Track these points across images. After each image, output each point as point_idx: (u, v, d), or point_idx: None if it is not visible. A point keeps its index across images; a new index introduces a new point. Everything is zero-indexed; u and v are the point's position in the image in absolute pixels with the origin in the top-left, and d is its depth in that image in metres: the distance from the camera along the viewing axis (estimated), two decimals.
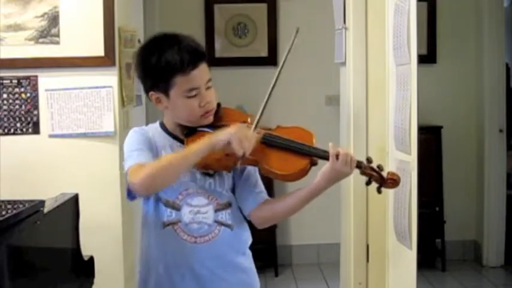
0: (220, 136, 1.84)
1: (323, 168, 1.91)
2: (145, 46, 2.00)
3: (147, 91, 2.00)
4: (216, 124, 2.00)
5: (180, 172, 1.87)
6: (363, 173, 1.94)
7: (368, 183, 1.96)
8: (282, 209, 2.02)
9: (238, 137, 1.82)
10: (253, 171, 2.05)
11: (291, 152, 1.94)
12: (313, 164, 1.94)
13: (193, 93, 1.93)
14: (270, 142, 1.95)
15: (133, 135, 1.99)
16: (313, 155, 1.93)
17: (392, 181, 1.95)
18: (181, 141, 2.00)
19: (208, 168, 1.96)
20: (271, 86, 2.00)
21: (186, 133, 1.99)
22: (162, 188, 1.90)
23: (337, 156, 1.88)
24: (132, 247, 3.28)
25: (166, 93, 1.94)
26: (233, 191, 2.05)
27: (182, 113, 1.97)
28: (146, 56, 1.96)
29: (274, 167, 1.92)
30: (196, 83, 1.93)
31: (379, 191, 1.96)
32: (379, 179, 1.94)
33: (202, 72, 1.95)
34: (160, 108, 2.01)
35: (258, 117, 1.96)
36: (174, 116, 2.00)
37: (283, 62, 2.00)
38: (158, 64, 1.91)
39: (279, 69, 2.00)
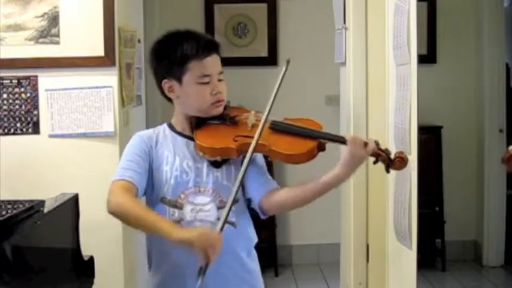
0: (185, 236, 1.78)
1: (342, 157, 1.91)
2: (161, 38, 2.06)
3: (160, 80, 2.03)
4: (226, 116, 2.03)
5: (138, 228, 1.93)
6: (371, 153, 1.94)
7: (375, 162, 1.97)
8: (294, 198, 1.99)
9: (203, 245, 1.74)
10: (261, 164, 2.06)
11: (299, 135, 1.97)
12: (321, 148, 1.96)
13: (206, 80, 1.98)
14: (278, 127, 1.99)
15: (132, 142, 2.03)
16: (324, 138, 1.96)
17: (400, 159, 1.96)
18: (189, 138, 2.02)
19: (215, 154, 1.97)
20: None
21: (196, 123, 2.01)
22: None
23: (356, 141, 1.90)
24: (132, 247, 3.28)
25: (179, 79, 1.99)
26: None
27: (194, 100, 2.00)
28: (162, 46, 2.03)
29: (282, 148, 1.94)
30: (209, 69, 1.99)
31: (387, 170, 1.98)
32: (387, 159, 1.96)
33: (215, 61, 2.01)
34: (172, 97, 2.04)
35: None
36: (185, 105, 2.03)
37: (276, 93, 1.98)
38: (174, 51, 1.98)
39: (272, 97, 1.98)
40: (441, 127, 5.02)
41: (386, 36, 3.09)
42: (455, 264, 5.08)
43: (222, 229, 1.80)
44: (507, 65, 5.44)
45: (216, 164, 1.99)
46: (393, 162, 1.96)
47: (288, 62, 2.03)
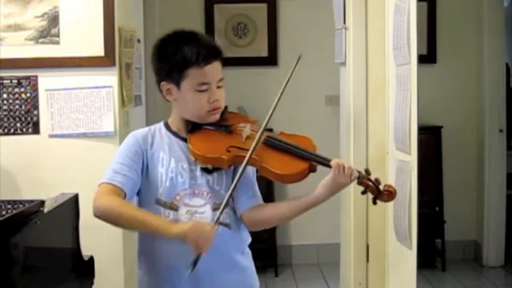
0: (177, 230, 1.83)
1: (325, 179, 1.92)
2: (164, 38, 2.04)
3: (159, 81, 2.02)
4: (222, 124, 2.02)
5: (131, 229, 2.00)
6: (360, 182, 1.94)
7: (364, 192, 1.96)
8: (276, 215, 2.02)
9: (194, 236, 1.79)
10: (251, 175, 2.05)
11: (291, 154, 1.95)
12: (312, 169, 1.94)
13: (204, 87, 1.96)
14: (271, 143, 1.97)
15: (127, 144, 2.02)
16: (314, 160, 1.94)
17: (388, 193, 1.96)
18: (184, 140, 2.01)
19: (207, 162, 1.96)
20: (275, 103, 1.99)
21: (190, 129, 2.01)
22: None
23: (339, 168, 1.89)
24: (132, 247, 3.27)
25: (178, 84, 1.97)
26: None
27: (190, 106, 1.99)
28: (164, 46, 2.01)
29: (273, 166, 1.92)
30: (208, 78, 1.96)
31: (374, 202, 1.98)
32: (375, 190, 1.95)
33: (215, 69, 1.99)
34: (169, 99, 2.03)
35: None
36: (182, 109, 2.02)
37: (285, 85, 1.98)
38: (174, 55, 1.96)
39: (281, 90, 1.99)
40: (441, 127, 5.02)
41: (386, 36, 3.09)
42: (455, 264, 5.08)
43: (216, 221, 1.85)
44: (507, 65, 5.45)
45: (207, 170, 1.99)
46: (381, 194, 1.95)
47: (299, 57, 2.00)
